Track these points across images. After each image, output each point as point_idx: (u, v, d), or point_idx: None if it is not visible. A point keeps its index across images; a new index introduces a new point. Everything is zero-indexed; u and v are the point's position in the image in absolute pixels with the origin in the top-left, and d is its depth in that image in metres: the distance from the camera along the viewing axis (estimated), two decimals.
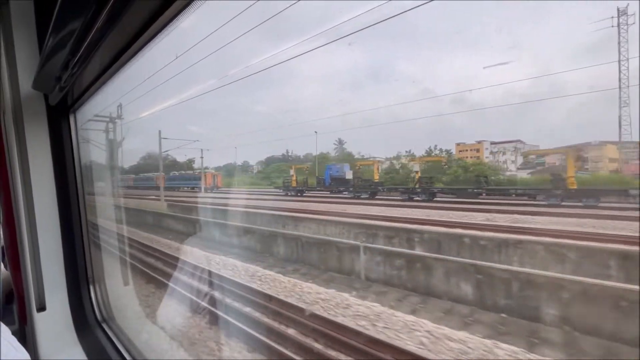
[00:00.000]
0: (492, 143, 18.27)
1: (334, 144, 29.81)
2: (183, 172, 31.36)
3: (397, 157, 21.42)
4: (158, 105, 12.17)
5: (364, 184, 18.57)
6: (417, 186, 15.61)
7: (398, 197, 16.43)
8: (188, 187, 29.67)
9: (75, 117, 1.81)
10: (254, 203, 16.91)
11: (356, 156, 24.96)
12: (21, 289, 1.75)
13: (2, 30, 1.49)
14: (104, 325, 1.91)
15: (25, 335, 1.81)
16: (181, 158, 32.08)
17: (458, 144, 19.26)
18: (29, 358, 1.00)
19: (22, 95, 1.55)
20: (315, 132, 24.55)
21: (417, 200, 14.94)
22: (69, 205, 1.82)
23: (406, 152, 21.64)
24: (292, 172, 22.40)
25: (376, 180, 18.21)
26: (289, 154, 34.73)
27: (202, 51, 7.76)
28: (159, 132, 18.70)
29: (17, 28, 1.48)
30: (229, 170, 32.50)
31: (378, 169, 18.84)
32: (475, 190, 14.19)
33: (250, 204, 16.25)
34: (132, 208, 18.59)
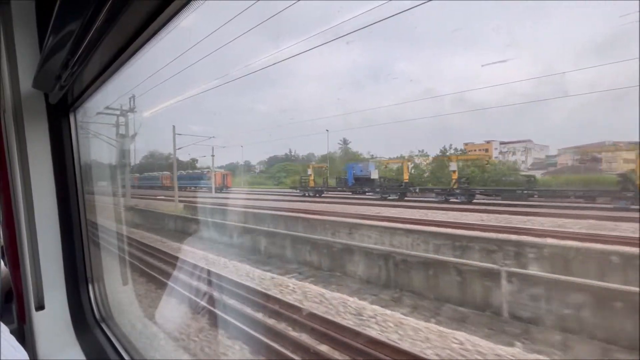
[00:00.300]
0: (502, 143, 19.02)
1: (339, 143, 30.26)
2: (190, 171, 32.41)
3: (410, 157, 21.69)
4: (158, 104, 12.70)
5: (392, 184, 18.60)
6: (455, 187, 15.44)
7: (429, 199, 16.31)
8: (195, 187, 30.62)
9: (75, 116, 1.99)
10: (277, 205, 16.93)
11: (365, 155, 25.25)
12: (20, 288, 1.94)
13: (3, 30, 1.67)
14: (103, 325, 2.09)
15: (24, 335, 2.01)
16: (184, 157, 33.33)
17: (466, 144, 19.80)
18: (28, 357, 1.11)
19: (22, 94, 1.73)
20: (327, 130, 24.69)
21: (455, 202, 14.76)
22: (69, 204, 2.00)
23: (419, 151, 21.84)
24: (309, 171, 22.71)
25: (406, 181, 18.14)
26: (292, 153, 35.72)
27: (201, 51, 8.12)
28: (173, 127, 19.31)
29: (17, 27, 1.66)
30: (231, 170, 33.44)
31: (408, 168, 18.80)
32: (526, 192, 13.80)
33: (273, 206, 16.22)
34: (145, 210, 19.17)
